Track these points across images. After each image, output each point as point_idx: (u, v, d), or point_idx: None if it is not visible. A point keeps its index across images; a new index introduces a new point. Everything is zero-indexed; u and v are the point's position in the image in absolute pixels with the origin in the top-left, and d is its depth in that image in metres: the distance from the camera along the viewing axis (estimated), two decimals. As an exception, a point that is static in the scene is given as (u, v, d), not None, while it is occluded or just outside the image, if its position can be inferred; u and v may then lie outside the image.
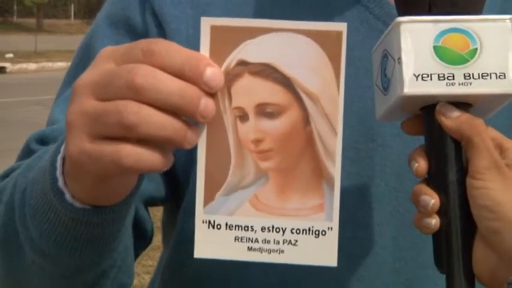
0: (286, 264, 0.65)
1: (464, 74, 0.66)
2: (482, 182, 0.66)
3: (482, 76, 0.66)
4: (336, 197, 0.65)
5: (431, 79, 0.66)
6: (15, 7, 35.99)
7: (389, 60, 0.69)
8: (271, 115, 0.64)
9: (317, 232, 0.65)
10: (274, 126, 0.64)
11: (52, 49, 19.61)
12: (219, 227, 0.65)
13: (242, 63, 0.63)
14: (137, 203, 0.87)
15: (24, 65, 17.05)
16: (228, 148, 0.64)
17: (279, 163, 0.64)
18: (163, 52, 0.62)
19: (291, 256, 0.65)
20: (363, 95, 0.81)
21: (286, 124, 0.64)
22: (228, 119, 0.64)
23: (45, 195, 0.70)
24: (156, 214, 1.07)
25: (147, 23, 0.89)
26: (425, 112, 0.69)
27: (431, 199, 0.68)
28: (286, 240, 0.65)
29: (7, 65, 16.67)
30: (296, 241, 0.65)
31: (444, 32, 0.67)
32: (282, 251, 0.65)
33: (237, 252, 0.65)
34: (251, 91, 0.64)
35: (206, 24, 0.63)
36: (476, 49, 0.67)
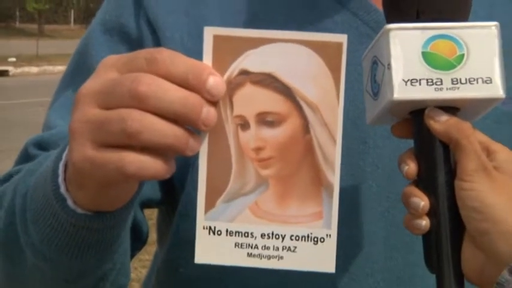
0: None
1: (452, 79, 0.66)
2: (470, 184, 0.65)
3: (469, 81, 0.66)
4: (335, 205, 0.63)
5: (420, 84, 0.66)
6: (17, 13, 36.00)
7: (379, 66, 0.68)
8: (272, 124, 0.63)
9: (316, 239, 0.64)
10: (275, 134, 0.63)
11: (53, 53, 19.59)
12: (219, 233, 0.64)
13: (244, 73, 0.62)
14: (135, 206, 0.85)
15: (26, 69, 17.05)
16: (229, 156, 0.63)
17: (279, 171, 0.63)
18: (167, 61, 0.60)
19: (290, 262, 0.64)
20: (354, 98, 0.80)
21: (286, 132, 0.63)
22: (230, 127, 0.63)
23: (47, 201, 0.69)
24: (154, 211, 1.05)
25: (141, 30, 0.87)
26: (414, 116, 0.69)
27: (421, 201, 0.67)
28: (286, 247, 0.64)
29: (10, 68, 16.66)
30: (295, 248, 0.64)
31: (432, 39, 0.67)
32: (281, 257, 0.64)
33: (237, 258, 0.64)
34: (252, 100, 0.62)
35: (209, 33, 0.62)
36: (463, 55, 0.67)
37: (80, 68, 0.90)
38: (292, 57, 0.62)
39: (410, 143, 0.70)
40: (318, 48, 0.62)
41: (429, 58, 0.66)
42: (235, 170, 0.63)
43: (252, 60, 0.62)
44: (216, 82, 0.60)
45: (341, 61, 0.62)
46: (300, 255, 0.64)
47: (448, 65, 0.66)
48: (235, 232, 0.64)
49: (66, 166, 0.67)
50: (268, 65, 0.62)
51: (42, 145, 0.86)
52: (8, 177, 0.83)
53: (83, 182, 0.64)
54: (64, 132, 0.63)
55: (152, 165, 0.60)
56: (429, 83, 0.66)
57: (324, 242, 0.64)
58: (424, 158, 0.68)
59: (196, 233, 0.64)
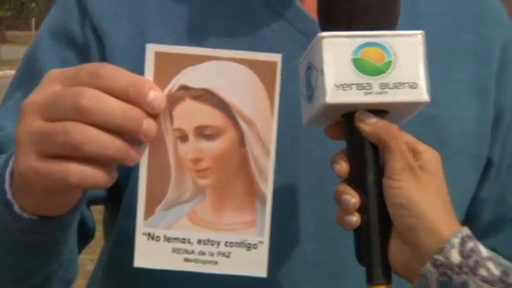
0: None
1: (380, 84, 0.67)
2: (397, 183, 0.67)
3: (396, 86, 0.68)
4: (268, 214, 0.64)
5: (350, 89, 0.67)
6: (-20, 19, 35.33)
7: (313, 72, 0.69)
8: (210, 137, 0.63)
9: (249, 245, 0.65)
10: (212, 147, 0.63)
11: (15, 58, 19.32)
12: (158, 239, 0.64)
13: (183, 88, 0.63)
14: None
15: (-12, 73, 16.77)
16: (169, 166, 0.64)
17: (216, 181, 0.64)
18: (109, 76, 0.61)
19: (224, 267, 0.65)
20: (288, 102, 0.81)
21: (223, 145, 0.64)
22: (169, 139, 0.63)
23: None
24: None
25: (86, 36, 0.86)
26: (346, 119, 0.70)
27: (352, 198, 0.68)
28: (220, 253, 0.65)
29: (-27, 72, 16.36)
30: (229, 253, 0.65)
31: (362, 46, 0.68)
32: (216, 262, 0.65)
33: (174, 263, 0.64)
34: (191, 114, 0.63)
35: (151, 50, 0.62)
36: (391, 61, 0.68)
37: (28, 72, 0.90)
38: (229, 74, 0.63)
39: (342, 145, 0.71)
40: (254, 66, 0.63)
41: (359, 64, 0.68)
42: (173, 179, 0.64)
43: (192, 76, 0.62)
44: (156, 96, 0.61)
45: (275, 79, 0.63)
46: (234, 260, 0.64)
47: (376, 71, 0.68)
48: (173, 238, 0.64)
49: (13, 173, 0.66)
50: (207, 81, 0.63)
51: None
52: None
53: (28, 190, 0.64)
54: (13, 134, 0.63)
55: (94, 176, 0.61)
56: (359, 88, 0.67)
57: (257, 249, 0.65)
58: (355, 158, 0.70)
59: (135, 239, 0.64)
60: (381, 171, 0.69)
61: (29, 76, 0.89)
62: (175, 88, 0.63)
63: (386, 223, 0.68)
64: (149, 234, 0.64)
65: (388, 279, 0.69)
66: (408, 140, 0.69)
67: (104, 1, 0.87)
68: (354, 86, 0.67)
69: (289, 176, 0.83)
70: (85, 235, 0.89)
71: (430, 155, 0.69)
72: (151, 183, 0.64)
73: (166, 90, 0.62)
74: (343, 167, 0.69)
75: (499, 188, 0.93)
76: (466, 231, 0.66)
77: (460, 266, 0.64)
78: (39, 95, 0.62)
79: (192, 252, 0.64)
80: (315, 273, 0.85)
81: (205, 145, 0.63)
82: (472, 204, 0.92)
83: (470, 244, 0.65)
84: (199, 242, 0.64)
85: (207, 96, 0.63)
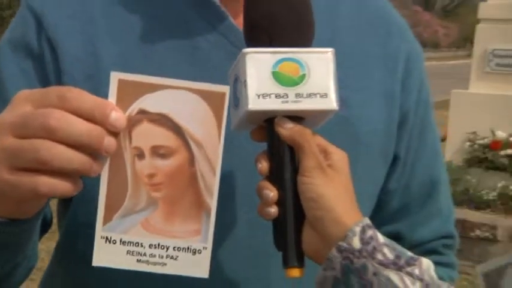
0: None
1: (296, 94, 0.73)
2: (309, 179, 0.73)
3: (309, 96, 0.74)
4: (212, 224, 0.70)
5: (270, 98, 0.73)
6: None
7: (239, 83, 0.75)
8: (164, 156, 0.68)
9: (194, 250, 0.70)
10: (165, 164, 0.68)
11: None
12: (114, 242, 0.69)
13: (142, 112, 0.67)
14: None
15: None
16: (126, 179, 0.69)
17: (167, 194, 0.69)
18: (76, 98, 0.65)
19: (172, 268, 0.70)
20: None
21: (175, 164, 0.69)
22: (128, 155, 0.68)
23: None
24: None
25: (42, 48, 0.89)
26: (267, 124, 0.76)
27: (271, 192, 0.74)
28: (169, 256, 0.70)
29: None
30: (177, 257, 0.70)
31: (280, 61, 0.74)
32: (165, 264, 0.70)
33: (128, 263, 0.70)
34: (148, 135, 0.68)
35: (115, 77, 0.67)
36: (305, 74, 0.74)
37: None
38: (183, 101, 0.68)
39: (266, 146, 0.77)
40: (205, 95, 0.68)
41: (278, 76, 0.73)
42: (130, 191, 0.69)
43: (150, 102, 0.67)
44: (117, 116, 0.66)
45: (223, 107, 0.68)
46: (181, 263, 0.70)
47: (293, 82, 0.74)
48: (128, 242, 0.69)
49: None
50: (163, 107, 0.67)
51: None
52: None
53: (2, 199, 0.68)
54: None
55: (62, 186, 0.65)
56: (277, 97, 0.73)
57: (201, 253, 0.70)
58: (274, 158, 0.76)
59: (94, 241, 0.69)
60: (296, 169, 0.75)
61: None
62: (135, 112, 0.67)
63: (300, 214, 0.74)
64: (107, 237, 0.69)
65: (301, 263, 0.75)
66: (320, 143, 0.75)
67: (58, 16, 0.90)
68: (273, 95, 0.73)
69: (226, 170, 0.85)
70: (44, 224, 0.92)
71: (338, 155, 0.75)
72: (110, 193, 0.68)
73: (127, 113, 0.67)
74: (263, 165, 0.75)
75: (404, 180, 1.00)
76: (366, 221, 0.72)
77: (360, 251, 0.70)
78: (10, 114, 0.66)
79: (144, 254, 0.70)
80: (247, 256, 0.89)
81: (160, 163, 0.68)
82: (382, 193, 0.99)
83: (370, 232, 0.71)
84: (150, 246, 0.70)
85: (163, 120, 0.68)
